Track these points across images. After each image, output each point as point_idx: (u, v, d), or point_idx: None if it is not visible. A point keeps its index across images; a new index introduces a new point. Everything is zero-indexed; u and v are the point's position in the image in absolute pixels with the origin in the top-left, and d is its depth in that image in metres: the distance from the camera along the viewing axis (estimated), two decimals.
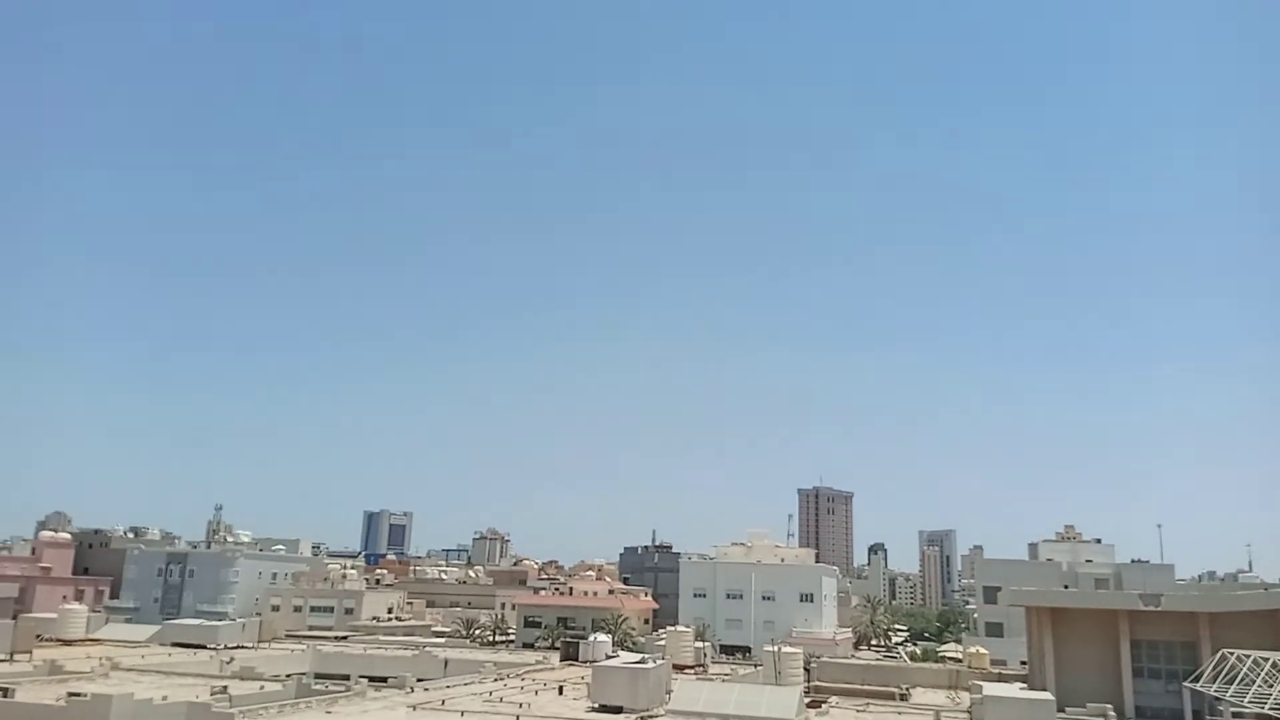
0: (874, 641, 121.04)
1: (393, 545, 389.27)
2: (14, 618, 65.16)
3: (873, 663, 69.05)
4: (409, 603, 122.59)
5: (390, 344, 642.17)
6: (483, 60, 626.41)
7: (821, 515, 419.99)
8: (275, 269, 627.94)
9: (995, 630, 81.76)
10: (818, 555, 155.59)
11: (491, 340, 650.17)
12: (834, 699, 44.37)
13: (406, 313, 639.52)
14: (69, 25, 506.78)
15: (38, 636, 54.56)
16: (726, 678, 50.68)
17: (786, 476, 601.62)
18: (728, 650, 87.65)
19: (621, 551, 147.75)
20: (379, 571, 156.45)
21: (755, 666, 57.63)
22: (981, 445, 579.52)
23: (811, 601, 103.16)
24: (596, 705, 35.49)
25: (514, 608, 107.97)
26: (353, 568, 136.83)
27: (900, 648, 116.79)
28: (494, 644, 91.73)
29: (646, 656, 41.63)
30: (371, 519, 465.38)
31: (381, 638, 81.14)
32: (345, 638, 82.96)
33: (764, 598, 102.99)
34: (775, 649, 50.62)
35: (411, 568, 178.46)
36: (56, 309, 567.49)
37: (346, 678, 49.88)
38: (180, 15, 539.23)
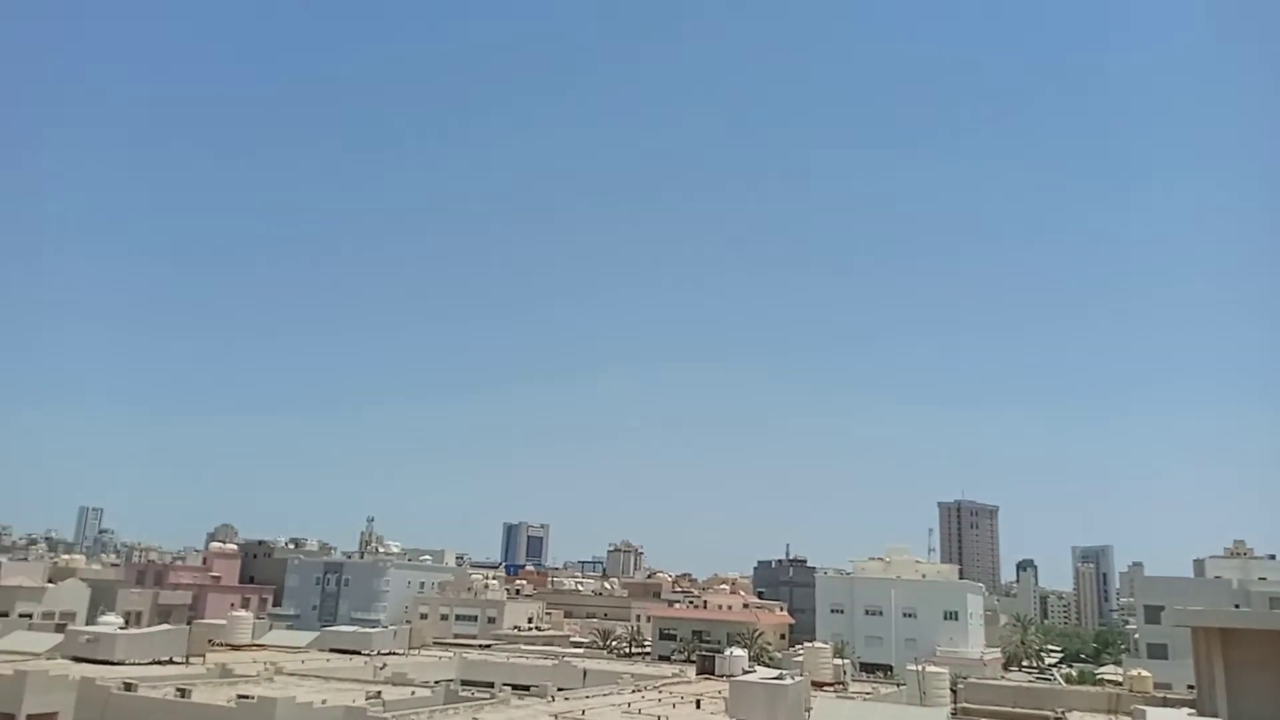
0: (1025, 662, 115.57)
1: (531, 556, 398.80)
2: (189, 623, 70.23)
3: (1025, 684, 65.88)
4: (548, 613, 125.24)
5: (527, 362, 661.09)
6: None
7: (964, 530, 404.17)
8: (424, 292, 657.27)
9: (1158, 652, 76.73)
10: (961, 571, 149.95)
11: (623, 358, 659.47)
12: None
13: (543, 334, 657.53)
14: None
15: (210, 641, 58.22)
16: (868, 696, 49.44)
17: (925, 490, 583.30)
18: (868, 668, 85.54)
19: (755, 565, 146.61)
20: (519, 582, 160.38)
21: (898, 686, 56.00)
22: (1138, 456, 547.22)
23: (956, 619, 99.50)
24: None
25: (649, 620, 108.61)
26: (494, 578, 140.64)
27: (1054, 669, 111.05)
28: (630, 655, 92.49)
29: (784, 672, 41.07)
30: (511, 531, 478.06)
31: (523, 647, 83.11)
32: (489, 646, 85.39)
33: (905, 615, 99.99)
34: (919, 668, 49.10)
35: (549, 579, 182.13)
36: (222, 339, 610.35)
37: (491, 685, 51.34)
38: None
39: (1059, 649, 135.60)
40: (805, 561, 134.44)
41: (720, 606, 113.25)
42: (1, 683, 37.66)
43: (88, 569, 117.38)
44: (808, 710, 36.91)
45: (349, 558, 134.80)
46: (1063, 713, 48.51)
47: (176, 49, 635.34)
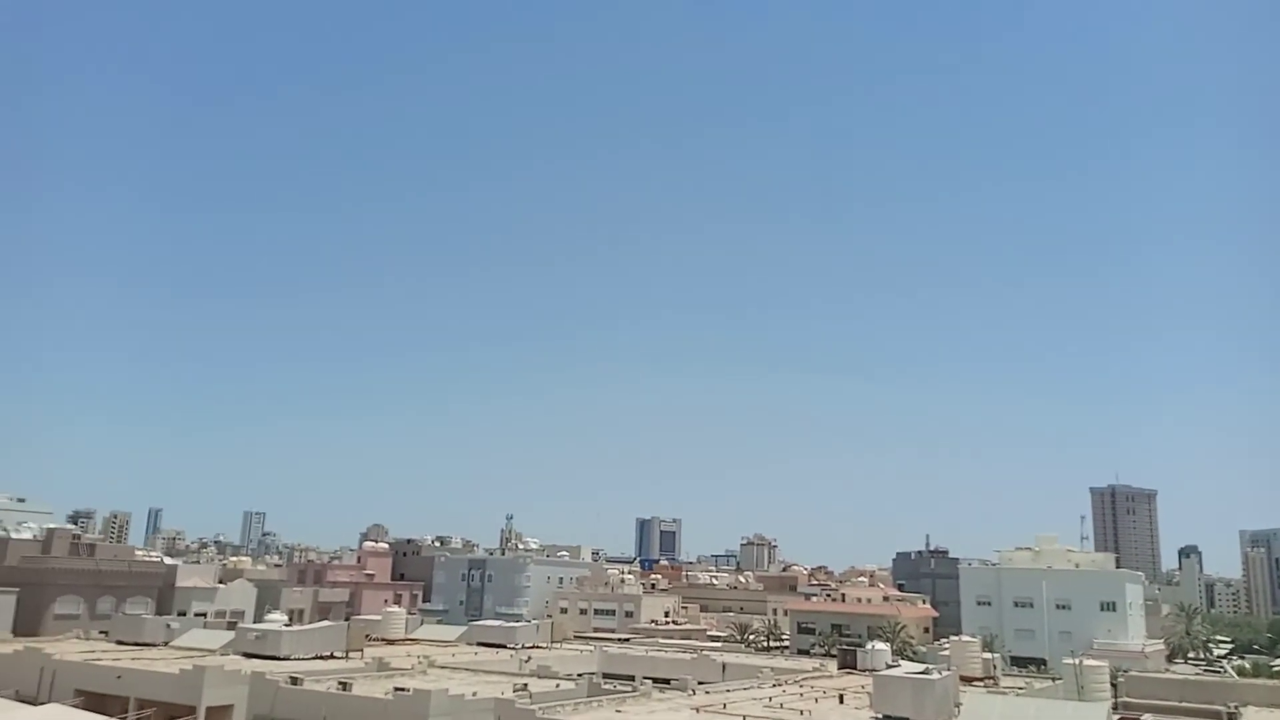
0: (1191, 654, 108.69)
1: (664, 551, 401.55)
2: (347, 620, 74.01)
3: (1192, 677, 61.96)
4: (683, 607, 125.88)
5: (659, 359, 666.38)
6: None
7: (1119, 516, 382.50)
8: (559, 292, 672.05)
9: None
10: (1118, 560, 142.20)
11: (752, 353, 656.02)
12: (1147, 716, 40.33)
13: (672, 327, 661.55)
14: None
15: (366, 636, 61.12)
16: (1021, 691, 47.58)
17: (1074, 476, 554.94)
18: (1019, 662, 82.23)
19: (894, 557, 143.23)
20: (653, 576, 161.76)
21: (1053, 680, 53.63)
22: None
23: (1114, 610, 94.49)
24: (880, 716, 34.59)
25: (786, 613, 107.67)
26: (630, 573, 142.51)
27: (1224, 661, 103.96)
28: (769, 649, 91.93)
29: (931, 667, 40.00)
30: (643, 525, 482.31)
31: (661, 641, 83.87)
32: (628, 640, 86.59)
33: (1058, 606, 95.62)
34: (1076, 661, 46.92)
35: (683, 573, 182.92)
36: (361, 349, 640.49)
37: (631, 678, 52.01)
38: None
39: (1228, 640, 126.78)
40: (947, 553, 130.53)
41: (859, 600, 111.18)
42: (183, 677, 40.76)
43: (254, 570, 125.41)
44: (957, 706, 35.82)
45: (491, 554, 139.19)
46: (1236, 707, 45.32)
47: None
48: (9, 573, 75.38)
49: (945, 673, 37.38)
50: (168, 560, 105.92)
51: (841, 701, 39.53)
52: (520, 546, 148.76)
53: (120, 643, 57.77)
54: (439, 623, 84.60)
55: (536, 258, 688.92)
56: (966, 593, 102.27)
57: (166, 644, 56.62)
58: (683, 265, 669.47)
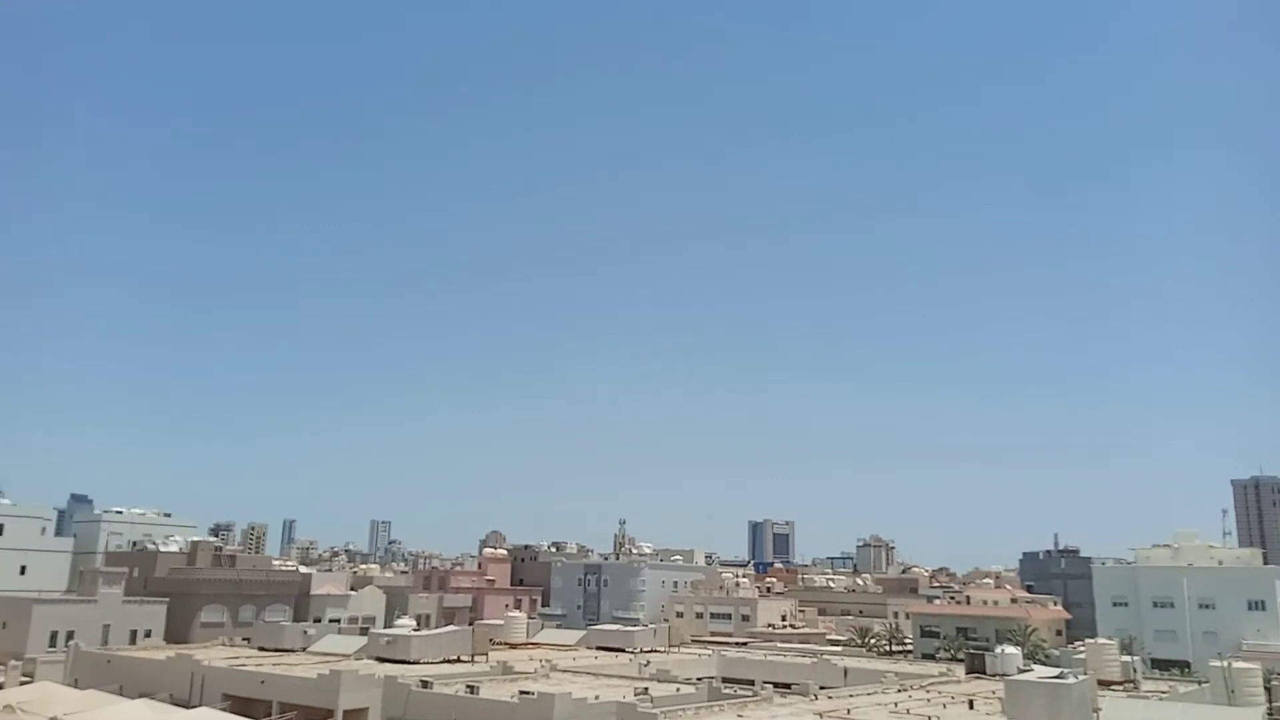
0: None
1: (777, 553, 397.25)
2: (471, 624, 75.99)
3: None
4: (800, 610, 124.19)
5: (770, 365, 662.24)
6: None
7: (1265, 509, 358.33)
8: (668, 301, 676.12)
9: None
10: (1265, 555, 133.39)
11: (867, 352, 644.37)
12: None
13: (781, 335, 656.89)
14: None
15: (490, 640, 62.61)
16: (1164, 696, 45.17)
17: (1214, 468, 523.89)
18: (1160, 665, 78.03)
19: (1020, 557, 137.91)
20: (768, 580, 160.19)
21: (1199, 684, 50.65)
22: None
23: (1263, 609, 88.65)
24: None
25: (908, 616, 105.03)
26: (744, 576, 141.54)
27: None
28: (891, 654, 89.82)
29: (1065, 671, 38.37)
30: (756, 528, 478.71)
31: (779, 645, 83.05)
32: (745, 644, 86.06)
33: (1201, 606, 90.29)
34: (1225, 664, 44.18)
35: (799, 575, 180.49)
36: (483, 359, 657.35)
37: (751, 683, 51.76)
38: None
39: None
40: (1078, 551, 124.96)
41: (985, 602, 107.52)
42: (321, 681, 42.64)
43: (382, 577, 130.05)
44: (1095, 711, 34.28)
45: (606, 559, 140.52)
46: None
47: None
48: (159, 584, 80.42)
49: (1081, 677, 35.82)
50: (302, 569, 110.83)
51: (971, 707, 38.37)
52: (634, 551, 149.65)
53: (262, 648, 60.86)
54: (558, 627, 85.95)
55: (627, 264, 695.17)
56: (1101, 593, 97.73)
57: (304, 649, 59.31)
58: (793, 273, 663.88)
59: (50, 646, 64.65)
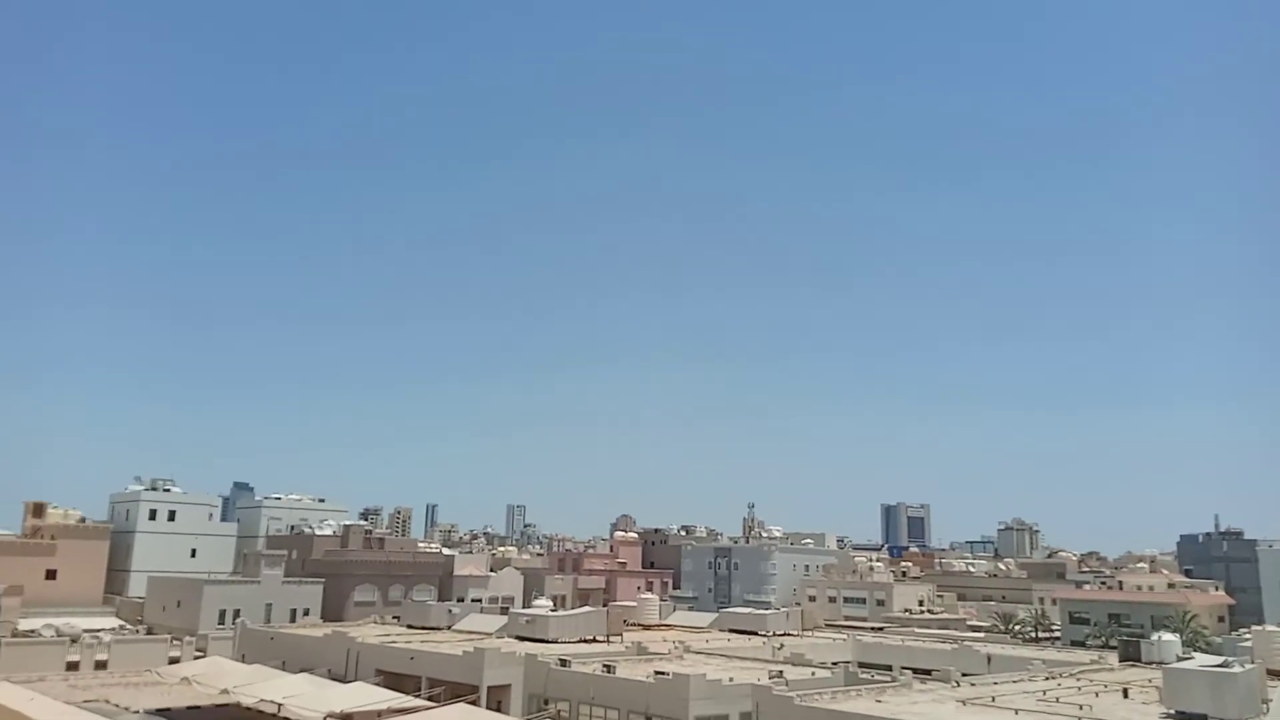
0: None
1: (913, 537, 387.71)
2: (604, 605, 77.54)
3: None
4: (938, 595, 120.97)
5: (901, 343, 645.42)
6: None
7: None
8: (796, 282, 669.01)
9: None
10: None
11: (1004, 328, 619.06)
12: None
13: (927, 305, 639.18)
14: None
15: (624, 621, 63.78)
16: None
17: None
18: None
19: (1177, 540, 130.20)
20: (903, 564, 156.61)
21: None
22: None
23: None
24: (1172, 712, 31.69)
25: (1054, 602, 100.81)
26: (878, 560, 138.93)
27: None
28: (1037, 640, 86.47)
29: (1229, 659, 36.11)
30: (889, 512, 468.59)
31: (917, 630, 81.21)
32: (881, 629, 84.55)
33: None
34: None
35: (936, 560, 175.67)
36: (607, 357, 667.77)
37: (888, 668, 50.85)
38: None
39: None
40: (1242, 534, 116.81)
41: (1139, 587, 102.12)
42: (466, 658, 44.43)
43: (519, 559, 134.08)
44: (1265, 702, 32.18)
45: (735, 543, 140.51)
46: None
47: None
48: (315, 565, 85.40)
49: (1248, 665, 33.66)
50: (445, 551, 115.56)
51: (1126, 696, 36.59)
52: (763, 534, 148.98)
53: (410, 626, 63.82)
54: (690, 609, 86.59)
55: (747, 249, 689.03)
56: (1269, 577, 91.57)
57: (449, 628, 61.86)
58: (926, 248, 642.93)
59: (219, 624, 69.83)
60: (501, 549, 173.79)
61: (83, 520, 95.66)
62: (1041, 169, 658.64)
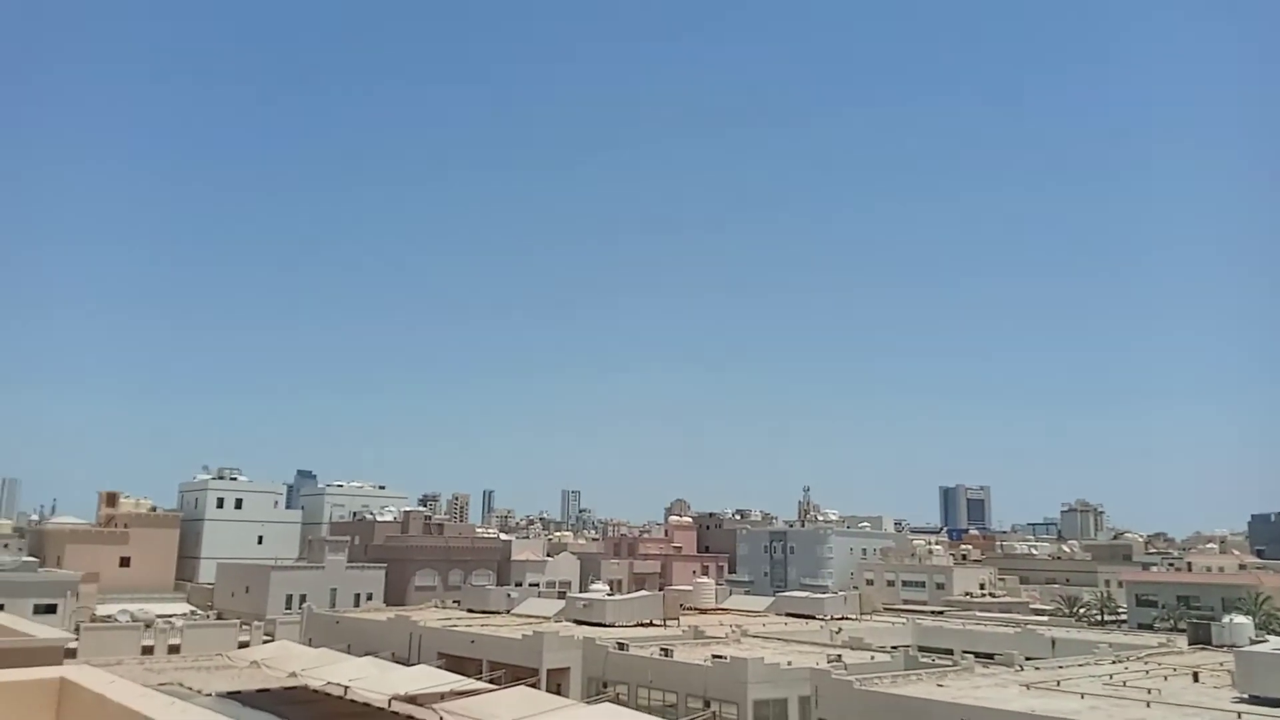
0: None
1: (972, 520, 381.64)
2: (660, 589, 77.88)
3: None
4: (1000, 579, 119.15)
5: (958, 325, 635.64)
6: None
7: None
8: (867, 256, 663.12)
9: None
10: None
11: (1066, 305, 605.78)
12: None
13: (985, 283, 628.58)
14: None
15: (680, 605, 64.00)
16: None
17: None
18: None
19: (1249, 520, 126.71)
20: (963, 547, 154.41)
21: None
22: None
23: None
24: (1245, 696, 30.84)
25: (1120, 584, 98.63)
26: (937, 543, 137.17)
27: None
28: (1103, 624, 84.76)
29: None
30: (948, 494, 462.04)
31: (978, 614, 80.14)
32: (941, 612, 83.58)
33: None
34: None
35: (997, 542, 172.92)
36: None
37: (949, 652, 50.29)
38: None
39: None
40: None
41: (1209, 568, 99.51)
42: (525, 642, 45.01)
43: (575, 543, 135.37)
44: None
45: (790, 526, 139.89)
46: None
47: None
48: (377, 551, 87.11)
49: None
50: (502, 536, 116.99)
51: (1196, 680, 35.70)
52: (819, 518, 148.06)
53: (470, 610, 64.80)
54: (746, 593, 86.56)
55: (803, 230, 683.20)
56: None
57: (508, 611, 62.70)
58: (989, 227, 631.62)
59: (286, 608, 71.64)
60: (557, 534, 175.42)
61: (154, 509, 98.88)
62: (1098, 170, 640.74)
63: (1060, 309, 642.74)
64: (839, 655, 41.19)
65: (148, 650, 54.16)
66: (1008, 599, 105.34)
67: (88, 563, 77.55)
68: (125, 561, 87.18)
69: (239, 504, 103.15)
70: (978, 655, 43.88)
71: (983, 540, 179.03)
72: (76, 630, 54.09)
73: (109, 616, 64.67)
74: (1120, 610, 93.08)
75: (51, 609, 61.85)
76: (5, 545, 79.67)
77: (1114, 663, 41.71)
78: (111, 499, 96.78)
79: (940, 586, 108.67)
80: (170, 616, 65.03)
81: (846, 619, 62.84)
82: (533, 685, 37.30)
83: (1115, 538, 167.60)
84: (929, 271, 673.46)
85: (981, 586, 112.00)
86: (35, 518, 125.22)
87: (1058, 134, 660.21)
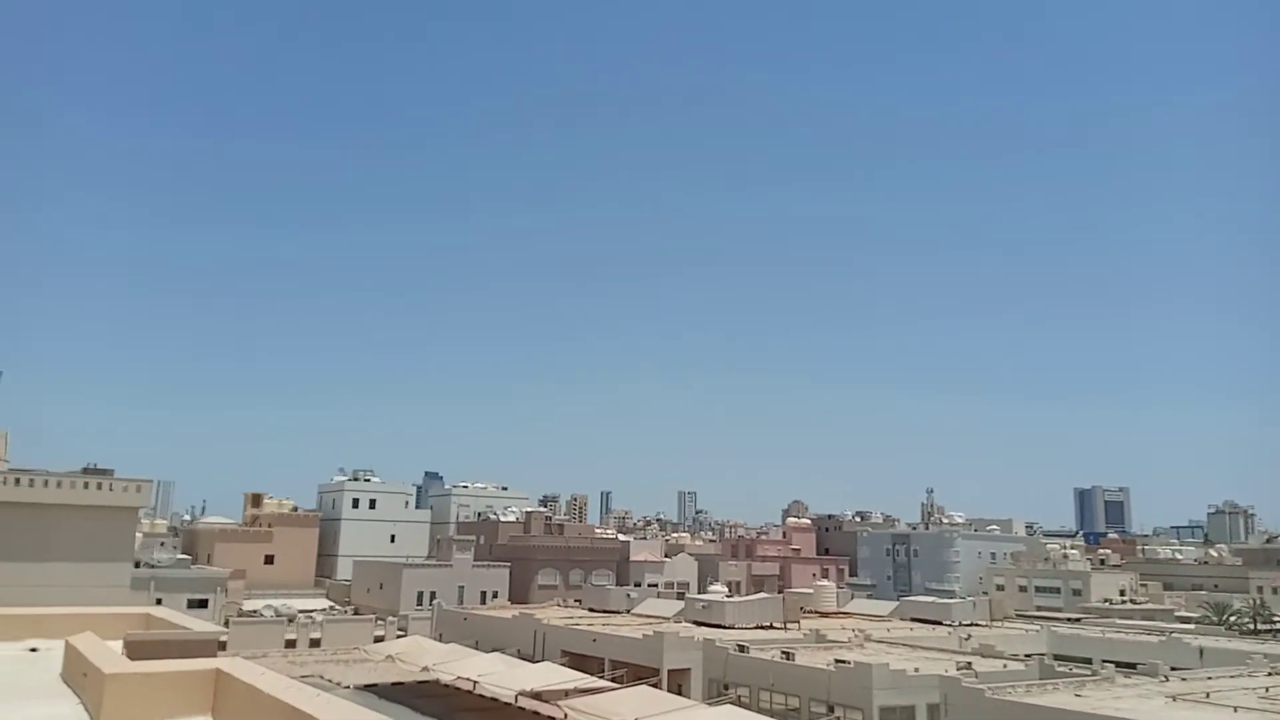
0: None
1: (1110, 523, 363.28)
2: (779, 592, 77.10)
3: None
4: (1142, 584, 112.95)
5: (1094, 313, 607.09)
6: None
7: None
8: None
9: None
10: None
11: (1223, 306, 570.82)
12: None
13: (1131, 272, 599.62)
14: None
15: (800, 609, 63.22)
16: None
17: None
18: None
19: None
20: (1101, 551, 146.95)
21: None
22: None
23: None
24: None
25: (1275, 591, 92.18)
26: (1072, 547, 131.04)
27: None
28: (1256, 633, 79.27)
29: None
30: (1083, 496, 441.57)
31: (1118, 621, 76.24)
32: (1078, 620, 79.88)
33: None
34: None
35: (1138, 546, 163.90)
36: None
37: (1087, 661, 48.03)
38: None
39: None
40: None
41: None
42: (646, 642, 45.37)
43: (692, 545, 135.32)
44: None
45: (913, 529, 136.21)
46: None
47: None
48: (501, 550, 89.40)
49: None
50: (621, 537, 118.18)
51: None
52: (944, 520, 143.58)
53: (591, 609, 65.79)
54: (868, 597, 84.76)
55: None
56: None
57: (628, 611, 63.35)
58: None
59: (417, 605, 74.29)
60: (674, 535, 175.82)
61: (295, 509, 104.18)
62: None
63: (1206, 300, 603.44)
64: (969, 663, 39.93)
65: (290, 644, 56.99)
66: (1150, 606, 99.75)
67: (235, 560, 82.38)
68: (269, 559, 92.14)
69: (373, 504, 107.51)
70: (1118, 665, 41.72)
71: (1122, 544, 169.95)
72: (226, 624, 57.51)
73: (254, 611, 68.49)
74: (1275, 618, 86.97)
75: (203, 603, 65.96)
76: (162, 544, 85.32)
77: (1269, 674, 39.05)
78: (256, 500, 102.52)
79: (1076, 593, 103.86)
80: (311, 612, 68.42)
81: (976, 625, 60.88)
82: (654, 685, 37.58)
83: (1268, 541, 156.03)
84: (1060, 266, 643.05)
85: (1121, 593, 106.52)
86: (187, 518, 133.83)
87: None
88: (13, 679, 19.76)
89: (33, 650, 23.72)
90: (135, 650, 18.97)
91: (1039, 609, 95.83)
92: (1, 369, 43.05)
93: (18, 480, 41.99)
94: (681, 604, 61.56)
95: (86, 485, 43.33)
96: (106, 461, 48.47)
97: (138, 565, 58.44)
